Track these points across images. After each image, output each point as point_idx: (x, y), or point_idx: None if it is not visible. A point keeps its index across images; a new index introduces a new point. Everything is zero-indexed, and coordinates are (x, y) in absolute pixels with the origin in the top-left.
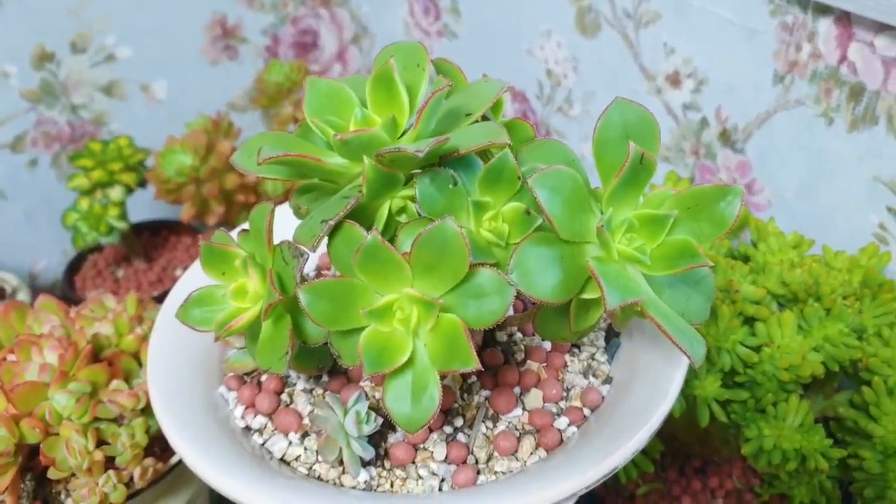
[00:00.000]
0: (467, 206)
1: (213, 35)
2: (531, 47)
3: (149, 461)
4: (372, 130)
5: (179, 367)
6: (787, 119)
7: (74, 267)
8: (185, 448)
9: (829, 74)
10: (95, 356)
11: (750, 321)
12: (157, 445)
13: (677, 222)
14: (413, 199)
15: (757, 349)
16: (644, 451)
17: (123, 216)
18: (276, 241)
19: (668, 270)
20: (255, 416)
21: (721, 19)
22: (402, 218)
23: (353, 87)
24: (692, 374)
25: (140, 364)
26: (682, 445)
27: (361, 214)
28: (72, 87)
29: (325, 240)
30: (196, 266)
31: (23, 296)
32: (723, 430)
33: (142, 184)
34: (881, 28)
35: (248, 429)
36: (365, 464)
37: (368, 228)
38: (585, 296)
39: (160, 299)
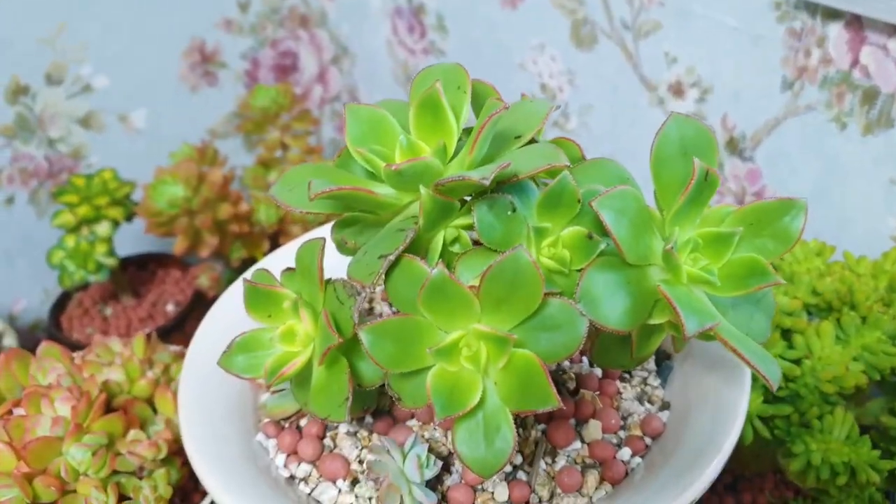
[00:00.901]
0: (527, 232)
1: (192, 61)
2: (523, 61)
3: None
4: (426, 159)
5: (213, 417)
6: (797, 125)
7: (59, 306)
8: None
9: (841, 79)
10: (108, 405)
11: (785, 333)
12: (178, 496)
13: (740, 240)
14: (466, 227)
15: (797, 362)
16: None
17: (112, 252)
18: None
19: (737, 291)
20: (299, 463)
21: (725, 27)
22: (455, 248)
23: (392, 112)
24: None
25: (155, 410)
26: None
27: (414, 246)
28: (48, 121)
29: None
30: (218, 307)
31: (9, 340)
32: (755, 445)
33: (129, 218)
34: (894, 30)
35: (292, 478)
36: None
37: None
38: (651, 321)
39: (160, 335)
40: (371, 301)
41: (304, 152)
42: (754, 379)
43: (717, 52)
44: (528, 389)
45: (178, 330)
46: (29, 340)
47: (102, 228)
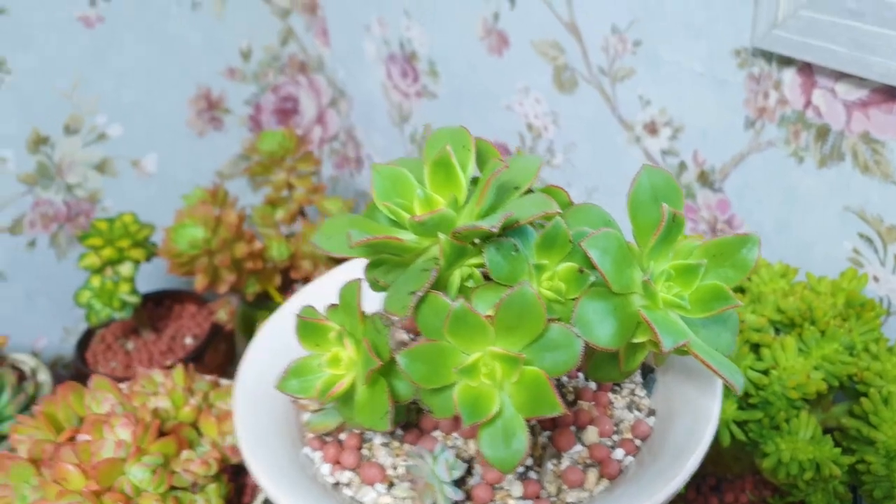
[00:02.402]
0: (528, 268)
1: (199, 108)
2: (510, 103)
3: None
4: (443, 211)
5: (265, 432)
6: (760, 159)
7: (83, 343)
8: None
9: (797, 118)
10: (159, 429)
11: (755, 347)
12: (235, 500)
13: (707, 270)
14: (478, 265)
15: (765, 372)
16: None
17: (134, 290)
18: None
19: (704, 313)
20: (343, 471)
21: (692, 72)
22: (469, 283)
23: (409, 169)
24: None
25: (199, 433)
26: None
27: (435, 283)
28: (66, 168)
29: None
30: (260, 339)
31: (43, 376)
32: (734, 449)
33: (148, 258)
34: (840, 76)
35: (337, 484)
36: None
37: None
38: (634, 340)
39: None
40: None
41: (308, 191)
42: (728, 388)
43: (686, 94)
44: (538, 399)
45: (198, 361)
46: (51, 376)
47: (125, 269)
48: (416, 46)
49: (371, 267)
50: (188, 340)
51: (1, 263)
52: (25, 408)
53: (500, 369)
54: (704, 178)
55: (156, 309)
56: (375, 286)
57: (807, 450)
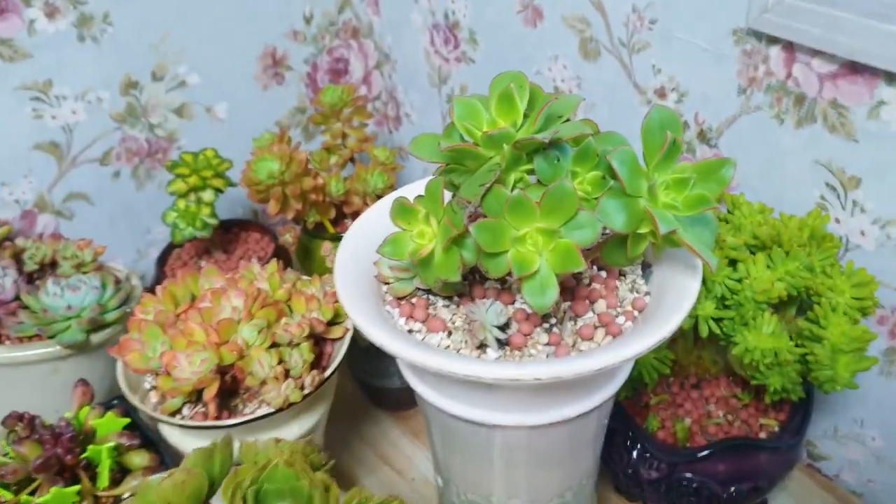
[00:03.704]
0: (566, 174)
1: (265, 64)
2: (540, 69)
3: (315, 372)
4: (506, 129)
5: (359, 294)
6: (749, 121)
7: (162, 260)
8: (381, 337)
9: (779, 87)
10: (264, 302)
11: (732, 262)
12: (314, 363)
13: (695, 182)
14: (528, 172)
15: (739, 281)
16: (661, 360)
17: (214, 214)
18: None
19: (692, 212)
20: (414, 322)
21: (697, 47)
22: (520, 185)
23: (479, 101)
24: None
25: (290, 309)
26: (682, 367)
27: (496, 181)
28: (150, 110)
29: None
30: (347, 239)
31: (135, 281)
32: (713, 353)
33: (226, 188)
34: (815, 52)
35: (410, 331)
36: (498, 345)
37: None
38: (640, 231)
39: None
40: None
41: (359, 140)
42: (709, 291)
43: (691, 65)
44: (568, 260)
45: None
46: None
47: (207, 195)
48: (459, 17)
49: (446, 172)
50: (254, 261)
51: (90, 190)
52: (124, 303)
53: (541, 240)
54: (703, 136)
55: (225, 235)
56: (450, 186)
57: (767, 340)
